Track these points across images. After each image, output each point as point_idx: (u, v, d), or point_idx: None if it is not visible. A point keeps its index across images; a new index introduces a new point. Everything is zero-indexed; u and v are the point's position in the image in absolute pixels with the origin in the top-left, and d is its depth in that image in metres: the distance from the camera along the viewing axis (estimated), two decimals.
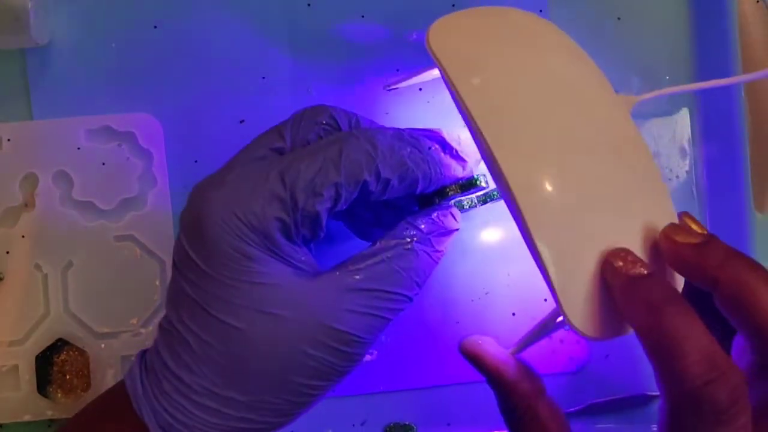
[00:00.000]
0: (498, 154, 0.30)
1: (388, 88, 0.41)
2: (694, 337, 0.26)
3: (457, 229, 0.36)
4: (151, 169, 0.41)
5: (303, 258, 0.32)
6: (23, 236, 0.40)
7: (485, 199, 0.38)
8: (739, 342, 0.30)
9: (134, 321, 0.41)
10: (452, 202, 0.37)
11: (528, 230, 0.29)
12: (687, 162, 0.43)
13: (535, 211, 0.29)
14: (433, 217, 0.35)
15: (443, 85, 0.42)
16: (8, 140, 0.40)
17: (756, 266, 0.28)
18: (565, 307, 0.29)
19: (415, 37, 0.41)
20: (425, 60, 0.37)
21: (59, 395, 0.41)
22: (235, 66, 0.41)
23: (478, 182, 0.36)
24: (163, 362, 0.32)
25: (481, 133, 0.30)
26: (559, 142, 0.31)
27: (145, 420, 0.31)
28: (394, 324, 0.41)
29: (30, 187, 0.41)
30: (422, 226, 0.34)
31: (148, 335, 0.40)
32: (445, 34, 0.33)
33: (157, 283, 0.41)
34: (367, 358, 0.41)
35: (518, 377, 0.32)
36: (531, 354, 0.33)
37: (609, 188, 0.31)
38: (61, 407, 0.40)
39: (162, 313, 0.40)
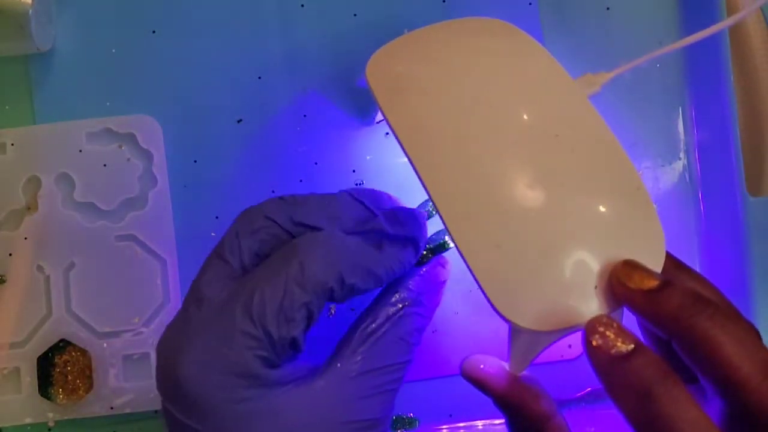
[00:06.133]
0: (423, 175, 0.31)
1: (377, 122, 0.41)
2: (687, 423, 0.25)
3: (446, 280, 0.35)
4: (151, 169, 0.41)
5: (296, 373, 0.31)
6: (26, 238, 0.41)
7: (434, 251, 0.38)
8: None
9: (136, 320, 0.41)
10: None
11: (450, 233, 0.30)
12: (680, 148, 0.43)
13: (451, 212, 0.30)
14: (421, 273, 0.33)
15: None
16: (12, 145, 0.41)
17: (714, 312, 0.26)
18: (492, 297, 0.29)
19: None
20: None
21: (61, 396, 0.41)
22: (231, 67, 0.42)
23: (446, 245, 0.36)
24: None
25: (408, 156, 0.31)
26: (490, 146, 0.31)
27: None
28: None
29: (33, 190, 0.41)
30: (411, 286, 0.33)
31: (149, 334, 0.41)
32: (380, 64, 0.34)
33: (159, 281, 0.41)
34: None
35: (526, 399, 0.30)
36: None
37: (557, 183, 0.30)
38: (62, 409, 0.40)
39: (163, 312, 0.41)
